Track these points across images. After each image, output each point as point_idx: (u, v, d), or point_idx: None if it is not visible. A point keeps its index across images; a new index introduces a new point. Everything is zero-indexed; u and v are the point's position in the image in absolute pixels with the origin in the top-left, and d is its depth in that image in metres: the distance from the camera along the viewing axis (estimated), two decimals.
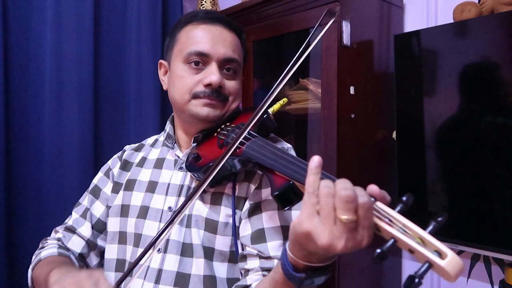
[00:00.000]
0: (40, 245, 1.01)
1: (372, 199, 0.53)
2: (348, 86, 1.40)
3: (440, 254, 0.47)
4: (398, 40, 1.45)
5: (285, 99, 1.26)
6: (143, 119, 1.88)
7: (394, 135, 1.49)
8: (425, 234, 0.49)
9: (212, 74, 0.88)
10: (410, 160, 1.42)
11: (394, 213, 0.51)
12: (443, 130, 1.35)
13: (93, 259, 1.01)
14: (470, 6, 1.33)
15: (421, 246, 0.48)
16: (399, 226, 0.50)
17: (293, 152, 0.91)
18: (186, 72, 0.91)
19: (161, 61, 1.01)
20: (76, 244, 0.99)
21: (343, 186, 0.52)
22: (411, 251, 0.49)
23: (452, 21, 1.38)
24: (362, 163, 1.47)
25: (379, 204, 0.53)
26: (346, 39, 1.38)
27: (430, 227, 0.49)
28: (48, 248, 0.95)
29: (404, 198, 0.52)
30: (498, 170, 1.23)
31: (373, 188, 0.54)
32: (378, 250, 0.49)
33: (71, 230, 1.01)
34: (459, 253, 1.46)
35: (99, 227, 1.01)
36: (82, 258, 1.00)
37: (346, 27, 1.38)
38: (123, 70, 1.88)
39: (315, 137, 1.61)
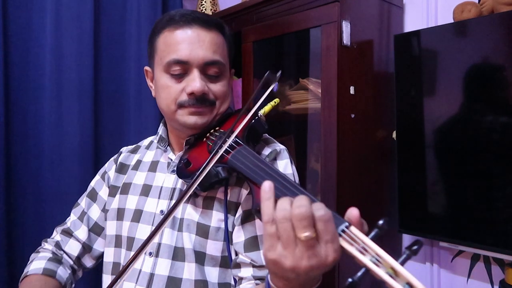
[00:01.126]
0: (39, 248, 1.03)
1: (347, 223, 0.51)
2: (348, 86, 1.40)
3: (411, 287, 0.45)
4: (398, 40, 1.45)
5: (276, 100, 1.25)
6: (143, 119, 1.88)
7: (394, 135, 1.49)
8: (397, 265, 0.47)
9: (193, 82, 0.85)
10: (410, 160, 1.42)
11: (367, 240, 0.50)
12: (443, 130, 1.35)
13: (88, 261, 1.03)
14: (470, 6, 1.33)
15: (392, 278, 0.46)
16: (372, 255, 0.48)
17: (286, 154, 0.90)
18: (169, 82, 0.88)
19: (146, 68, 0.99)
20: (73, 248, 1.01)
21: (297, 204, 0.52)
22: (383, 281, 0.47)
23: (452, 21, 1.38)
24: (362, 163, 1.47)
25: (353, 230, 0.51)
26: (346, 39, 1.38)
27: (403, 257, 0.48)
28: (39, 259, 0.97)
29: (380, 223, 0.51)
30: (498, 170, 1.23)
31: (353, 212, 0.53)
32: (350, 280, 0.47)
33: (68, 233, 1.02)
34: (459, 253, 1.46)
35: (96, 230, 1.02)
36: (78, 261, 1.02)
37: (346, 27, 1.38)
38: (123, 70, 1.88)
39: (315, 137, 1.61)
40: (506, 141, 1.20)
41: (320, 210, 0.51)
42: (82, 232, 1.01)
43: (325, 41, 1.39)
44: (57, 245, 1.01)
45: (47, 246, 1.02)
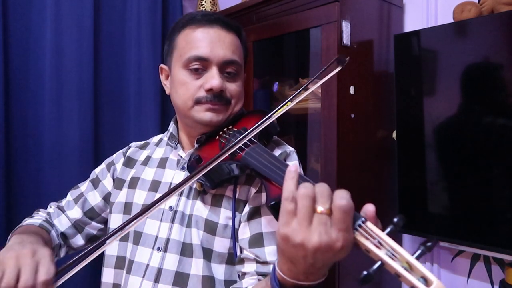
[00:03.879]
0: (33, 214, 1.06)
1: (363, 218, 0.53)
2: (348, 86, 1.40)
3: (426, 281, 0.46)
4: (398, 40, 1.45)
5: (289, 103, 1.26)
6: (143, 119, 1.88)
7: (394, 135, 1.49)
8: (412, 259, 0.48)
9: (212, 79, 0.88)
10: (410, 160, 1.42)
11: (383, 236, 0.51)
12: (443, 130, 1.35)
13: (79, 241, 1.05)
14: (470, 6, 1.33)
15: (408, 271, 0.47)
16: (387, 249, 0.50)
17: (295, 156, 0.91)
18: (187, 78, 0.90)
19: (162, 65, 1.01)
20: (62, 223, 1.04)
21: (320, 185, 0.55)
22: (398, 275, 0.48)
23: (452, 21, 1.38)
24: (362, 163, 1.47)
25: (369, 225, 0.53)
26: (346, 39, 1.38)
27: (418, 252, 0.49)
28: (34, 218, 1.00)
29: (395, 220, 0.52)
30: (498, 170, 1.23)
31: (369, 208, 0.54)
32: (365, 272, 0.49)
33: (61, 210, 1.06)
34: (459, 253, 1.46)
35: (91, 215, 1.04)
36: (64, 237, 1.04)
37: (346, 27, 1.38)
38: (123, 70, 1.88)
39: (315, 137, 1.61)
40: (506, 141, 1.20)
41: (343, 199, 0.52)
42: (74, 213, 1.04)
43: (325, 41, 1.40)
44: (49, 215, 1.05)
45: (41, 213, 1.06)
